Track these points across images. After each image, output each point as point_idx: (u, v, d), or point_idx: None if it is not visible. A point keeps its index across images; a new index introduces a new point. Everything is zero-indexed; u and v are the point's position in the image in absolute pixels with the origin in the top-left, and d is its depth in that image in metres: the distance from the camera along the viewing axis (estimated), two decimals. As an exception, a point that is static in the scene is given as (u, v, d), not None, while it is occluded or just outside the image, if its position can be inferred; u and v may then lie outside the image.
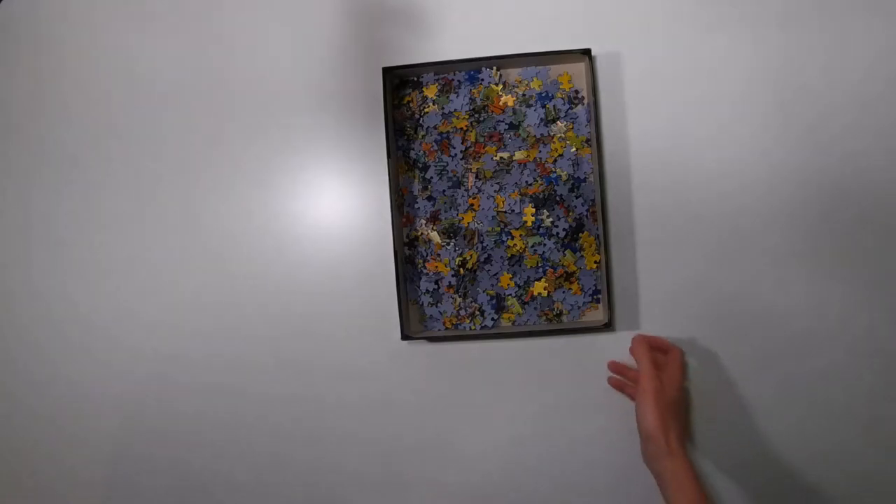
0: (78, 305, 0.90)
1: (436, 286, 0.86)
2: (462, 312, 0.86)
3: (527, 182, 0.86)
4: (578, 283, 0.85)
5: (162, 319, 0.89)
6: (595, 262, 0.85)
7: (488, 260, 0.86)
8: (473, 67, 0.86)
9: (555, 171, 0.85)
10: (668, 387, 0.75)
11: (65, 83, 0.92)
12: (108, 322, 0.90)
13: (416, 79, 0.88)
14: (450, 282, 0.86)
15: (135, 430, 0.89)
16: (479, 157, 0.87)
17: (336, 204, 0.89)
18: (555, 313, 0.85)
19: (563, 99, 0.86)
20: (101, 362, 0.90)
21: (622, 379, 0.83)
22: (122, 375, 0.89)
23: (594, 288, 0.85)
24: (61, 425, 0.90)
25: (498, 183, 0.86)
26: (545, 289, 0.85)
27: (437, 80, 0.87)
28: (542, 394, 0.85)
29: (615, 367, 0.83)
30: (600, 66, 0.86)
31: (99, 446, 0.89)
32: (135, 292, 0.90)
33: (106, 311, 0.90)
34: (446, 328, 0.86)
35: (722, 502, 0.82)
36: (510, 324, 0.85)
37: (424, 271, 0.87)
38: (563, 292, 0.85)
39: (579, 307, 0.85)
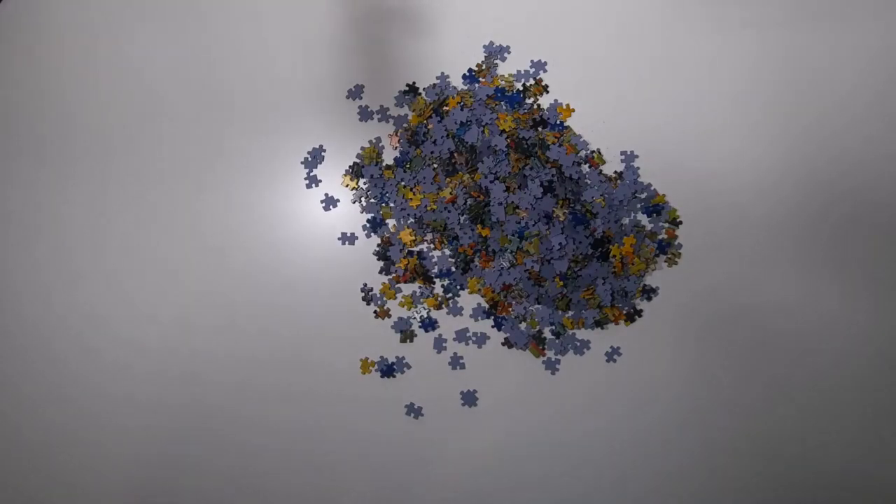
0: (81, 304, 0.90)
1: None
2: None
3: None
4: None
5: (163, 318, 0.89)
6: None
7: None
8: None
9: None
10: None
11: (64, 83, 0.93)
12: (109, 321, 0.90)
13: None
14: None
15: (141, 426, 0.89)
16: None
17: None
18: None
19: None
20: (104, 360, 0.90)
21: None
22: (127, 373, 0.89)
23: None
24: (63, 425, 0.90)
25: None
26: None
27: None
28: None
29: None
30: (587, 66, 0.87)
31: (100, 446, 0.89)
32: (135, 292, 0.90)
33: (107, 309, 0.90)
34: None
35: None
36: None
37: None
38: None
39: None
